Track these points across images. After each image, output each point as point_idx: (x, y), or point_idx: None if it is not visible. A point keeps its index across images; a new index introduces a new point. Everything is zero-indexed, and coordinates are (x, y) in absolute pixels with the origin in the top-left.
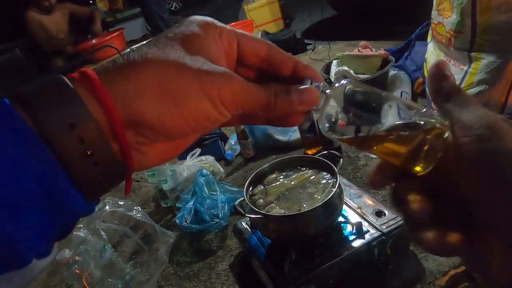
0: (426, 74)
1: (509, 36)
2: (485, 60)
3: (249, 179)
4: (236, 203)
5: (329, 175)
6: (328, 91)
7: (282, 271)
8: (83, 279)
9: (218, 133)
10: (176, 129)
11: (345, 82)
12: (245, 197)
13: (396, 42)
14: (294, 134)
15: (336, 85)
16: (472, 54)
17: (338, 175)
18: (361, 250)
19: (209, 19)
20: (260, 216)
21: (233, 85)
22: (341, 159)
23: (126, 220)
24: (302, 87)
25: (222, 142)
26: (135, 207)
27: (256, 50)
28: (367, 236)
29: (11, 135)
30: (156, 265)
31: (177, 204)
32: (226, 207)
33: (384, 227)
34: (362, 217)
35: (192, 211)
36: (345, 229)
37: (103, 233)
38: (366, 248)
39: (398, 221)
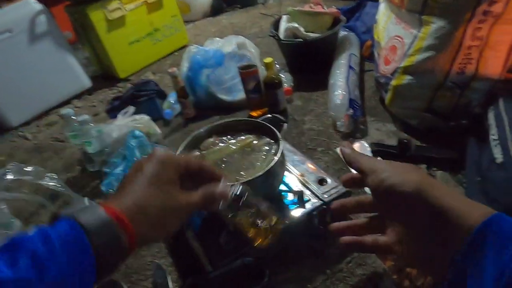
0: (376, 36)
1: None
2: (435, 25)
3: (183, 143)
4: None
5: (272, 141)
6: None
7: (218, 243)
8: None
9: (155, 90)
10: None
11: (241, 189)
12: None
13: (348, 1)
14: (238, 94)
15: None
16: (423, 17)
17: (281, 142)
18: (301, 220)
19: (167, 155)
20: None
21: (192, 209)
22: (285, 124)
23: (44, 189)
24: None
25: (161, 100)
26: (47, 174)
27: (192, 167)
28: (308, 205)
29: (85, 257)
30: None
31: (104, 169)
32: None
33: (325, 196)
34: (304, 185)
35: (121, 177)
36: (286, 197)
37: (3, 206)
38: (306, 218)
39: (339, 190)
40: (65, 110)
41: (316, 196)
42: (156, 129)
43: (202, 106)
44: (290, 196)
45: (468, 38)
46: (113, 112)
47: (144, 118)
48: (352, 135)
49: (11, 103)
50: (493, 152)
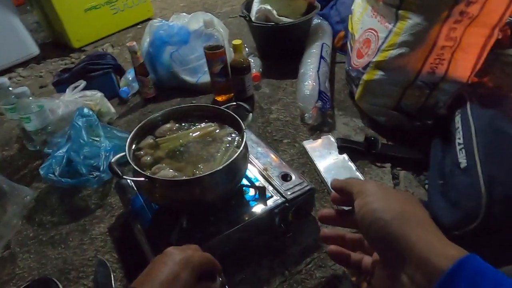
0: (350, 28)
1: None
2: (411, 21)
3: (136, 128)
4: (113, 159)
5: (235, 131)
6: None
7: (168, 241)
8: None
9: (112, 64)
10: None
11: None
12: (126, 151)
13: None
14: (203, 76)
15: None
16: (400, 12)
17: (245, 133)
18: (261, 218)
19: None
20: (143, 179)
21: None
22: (251, 114)
23: None
24: None
25: (117, 76)
26: None
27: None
28: (269, 202)
29: None
30: (5, 228)
31: (45, 150)
32: (111, 157)
33: (288, 193)
34: (267, 179)
35: (64, 161)
36: (247, 193)
37: None
38: (267, 215)
39: (303, 187)
40: (0, 79)
41: (279, 192)
42: (110, 107)
43: (163, 86)
44: (252, 192)
45: (442, 37)
46: (61, 85)
47: (97, 94)
48: (319, 128)
49: None
50: (457, 157)
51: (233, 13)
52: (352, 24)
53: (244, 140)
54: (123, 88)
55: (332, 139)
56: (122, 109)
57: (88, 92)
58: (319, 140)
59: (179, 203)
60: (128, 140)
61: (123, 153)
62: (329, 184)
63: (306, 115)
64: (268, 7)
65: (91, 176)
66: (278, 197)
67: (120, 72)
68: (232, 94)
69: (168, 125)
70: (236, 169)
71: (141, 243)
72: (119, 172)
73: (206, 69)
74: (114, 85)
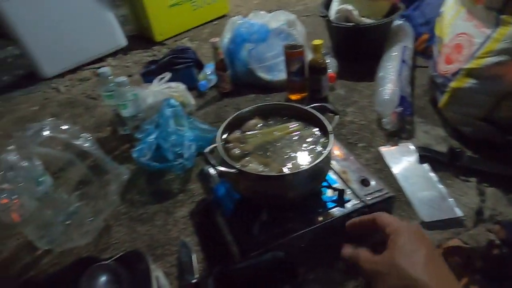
0: (437, 31)
1: None
2: None
3: (225, 122)
4: (207, 150)
5: (320, 132)
6: None
7: (250, 232)
8: (12, 210)
9: (194, 58)
10: None
11: None
12: (218, 144)
13: None
14: (279, 74)
15: None
16: (503, 16)
17: (331, 135)
18: (339, 220)
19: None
20: (234, 171)
21: None
22: (337, 116)
23: (74, 147)
24: None
25: (196, 70)
26: (82, 134)
27: None
28: (348, 206)
29: None
30: (105, 203)
31: (136, 134)
32: (193, 146)
33: (368, 198)
34: (345, 183)
35: (154, 146)
36: (325, 193)
37: (37, 162)
38: (344, 219)
39: (383, 194)
40: (103, 69)
41: (358, 197)
42: (191, 99)
43: (239, 82)
44: (329, 193)
45: None
46: (148, 76)
47: (181, 86)
48: (397, 134)
49: (47, 54)
50: None
51: (306, 11)
52: (441, 27)
53: (331, 142)
54: (202, 82)
55: (412, 147)
56: (199, 101)
57: (172, 84)
58: (397, 147)
59: (262, 196)
60: (219, 133)
61: (215, 145)
62: (407, 193)
63: (384, 120)
64: (350, 7)
65: (176, 162)
66: (357, 201)
67: (200, 66)
68: (306, 93)
69: (254, 121)
70: (320, 170)
71: (223, 231)
72: (212, 162)
73: (282, 67)
74: (194, 78)
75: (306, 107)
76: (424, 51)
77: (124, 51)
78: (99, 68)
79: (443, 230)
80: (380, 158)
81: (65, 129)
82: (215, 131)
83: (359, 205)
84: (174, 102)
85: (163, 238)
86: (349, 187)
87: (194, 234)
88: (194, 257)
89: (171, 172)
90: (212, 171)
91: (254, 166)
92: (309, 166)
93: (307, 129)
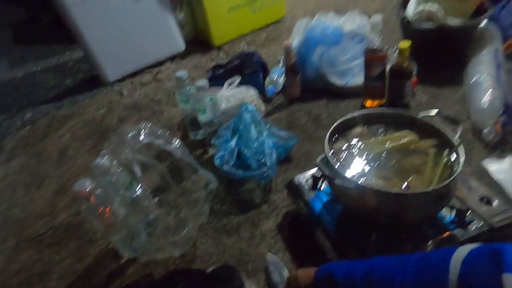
0: None
1: None
2: None
3: (332, 128)
4: (318, 160)
5: (438, 143)
6: None
7: (361, 252)
8: (105, 217)
9: (260, 63)
10: None
11: None
12: (326, 154)
13: None
14: (353, 79)
15: None
16: None
17: (461, 148)
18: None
19: None
20: (353, 186)
21: None
22: (461, 126)
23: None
24: None
25: (263, 74)
26: (174, 139)
27: None
28: (471, 228)
29: None
30: (190, 212)
31: (213, 141)
32: (274, 154)
33: (494, 220)
34: (461, 200)
35: (235, 153)
36: (440, 213)
37: (137, 167)
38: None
39: (511, 214)
40: (180, 72)
41: (482, 218)
42: (262, 105)
43: (309, 87)
44: (445, 213)
45: None
46: (215, 80)
47: (251, 91)
48: (500, 146)
49: (110, 58)
50: None
51: (366, 14)
52: None
53: (462, 156)
54: (269, 87)
55: None
56: (267, 107)
57: (243, 89)
58: (507, 160)
59: (375, 214)
60: (326, 141)
61: (324, 155)
62: None
63: (485, 130)
64: (434, 7)
65: (260, 171)
66: (481, 223)
67: (266, 70)
68: (384, 100)
69: (358, 129)
70: (449, 190)
71: (324, 247)
72: (330, 174)
73: (356, 72)
74: (260, 83)
75: (419, 116)
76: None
77: (181, 55)
78: (158, 73)
79: None
80: (483, 173)
81: (160, 134)
82: (293, 139)
83: (485, 228)
84: (251, 107)
85: (252, 252)
86: (469, 206)
87: (285, 250)
88: (285, 277)
89: (253, 181)
90: (304, 182)
91: (373, 180)
92: (440, 186)
93: (423, 140)
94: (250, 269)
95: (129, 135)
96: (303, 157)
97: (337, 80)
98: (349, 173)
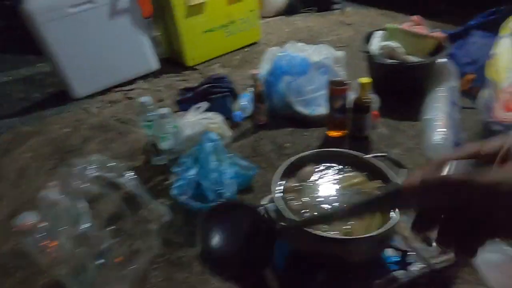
0: (489, 75)
1: None
2: None
3: (281, 169)
4: (265, 201)
5: (383, 185)
6: None
7: None
8: (48, 250)
9: (230, 88)
10: None
11: None
12: (276, 195)
13: (450, 26)
14: (317, 108)
15: None
16: None
17: None
18: (403, 286)
19: None
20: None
21: None
22: (406, 170)
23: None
24: None
25: (232, 99)
26: (127, 174)
27: None
28: (412, 269)
29: None
30: (143, 244)
31: (173, 169)
32: (234, 184)
33: (435, 262)
34: (405, 240)
35: (193, 184)
36: (385, 252)
37: (82, 201)
38: (410, 285)
39: (452, 256)
40: (144, 98)
41: (423, 259)
42: (228, 131)
43: (275, 114)
44: (389, 252)
45: None
46: (184, 103)
47: (218, 118)
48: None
49: (79, 74)
50: None
51: (339, 42)
52: (494, 70)
53: None
54: (237, 112)
55: None
56: (234, 132)
57: (210, 114)
58: None
59: (322, 257)
60: (275, 181)
61: (272, 195)
62: None
63: None
64: (395, 44)
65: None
66: (423, 265)
67: (235, 95)
68: (346, 131)
69: (309, 168)
70: (390, 233)
71: (271, 286)
72: (275, 219)
73: (321, 101)
74: (229, 108)
75: (368, 157)
76: (469, 91)
77: (154, 74)
78: (129, 90)
79: None
80: None
81: (111, 167)
82: (254, 169)
83: (426, 270)
84: (214, 136)
85: None
86: (411, 247)
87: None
88: None
89: None
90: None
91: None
92: (381, 230)
93: (370, 182)
94: None
95: (77, 168)
96: (264, 187)
97: (302, 109)
98: (293, 215)
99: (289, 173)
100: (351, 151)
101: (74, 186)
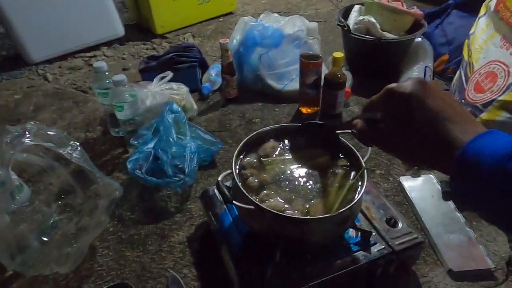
0: (465, 54)
1: None
2: None
3: (241, 144)
4: (220, 178)
5: (348, 163)
6: None
7: (261, 275)
8: None
9: (199, 58)
10: None
11: None
12: (233, 171)
13: (428, 5)
14: (290, 83)
15: None
16: None
17: (365, 172)
18: (363, 267)
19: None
20: (253, 208)
21: None
22: (370, 148)
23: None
24: None
25: (200, 70)
26: (71, 142)
27: None
28: (374, 251)
29: None
30: (91, 221)
31: (131, 141)
32: (195, 160)
33: (396, 243)
34: (369, 221)
35: (151, 157)
36: (348, 232)
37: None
38: (370, 266)
39: (413, 238)
40: (99, 63)
41: (385, 240)
42: (194, 104)
43: (246, 88)
44: (352, 233)
45: None
46: (147, 72)
47: (183, 88)
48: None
49: (35, 36)
50: None
51: (317, 17)
52: (470, 51)
53: (365, 181)
54: (205, 84)
55: (435, 180)
56: (201, 105)
57: (174, 85)
58: (419, 179)
59: (279, 237)
60: (234, 157)
61: (229, 171)
62: (432, 234)
63: None
64: (372, 19)
65: (176, 178)
66: (384, 246)
67: (204, 66)
68: (318, 108)
69: (271, 143)
70: (351, 214)
71: (228, 268)
72: (229, 196)
73: (294, 76)
74: (197, 80)
75: (334, 133)
76: (442, 72)
77: (120, 41)
78: (92, 57)
79: (473, 282)
80: (401, 190)
81: (51, 136)
82: (219, 143)
83: (386, 251)
84: (176, 107)
85: (155, 268)
86: (374, 227)
87: (192, 266)
88: None
89: (168, 188)
90: (217, 193)
91: (276, 203)
92: (341, 211)
93: (334, 160)
94: (148, 287)
95: (10, 137)
96: (227, 163)
97: (274, 84)
98: (251, 193)
99: (251, 149)
100: (317, 127)
101: (8, 156)
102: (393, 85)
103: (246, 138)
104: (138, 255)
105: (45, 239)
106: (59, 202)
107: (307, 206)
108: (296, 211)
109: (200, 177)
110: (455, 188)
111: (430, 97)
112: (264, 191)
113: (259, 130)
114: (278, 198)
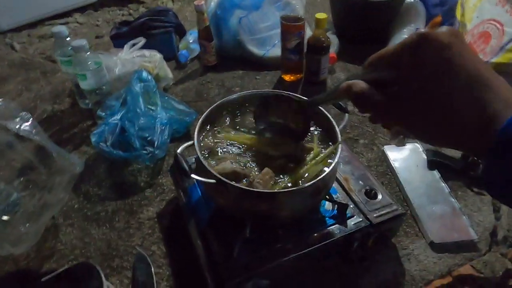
0: (458, 14)
1: None
2: None
3: (205, 114)
4: (180, 150)
5: (324, 133)
6: None
7: (229, 253)
8: None
9: (174, 23)
10: None
11: None
12: (195, 142)
13: None
14: (272, 49)
15: None
16: None
17: (340, 143)
18: (339, 241)
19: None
20: (214, 182)
21: None
22: (347, 115)
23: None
24: None
25: (177, 37)
26: (21, 114)
27: None
28: (350, 224)
29: None
30: (52, 198)
31: (98, 112)
32: (167, 131)
33: (374, 216)
34: (346, 192)
35: (118, 129)
36: (323, 205)
37: None
38: (345, 239)
39: (393, 210)
40: (58, 27)
41: (362, 213)
42: (169, 72)
43: (226, 54)
44: (328, 205)
45: None
46: (118, 39)
47: (156, 56)
48: (404, 132)
49: (2, 2)
50: None
51: None
52: (463, 10)
53: (339, 151)
54: (182, 51)
55: (421, 148)
56: (179, 74)
57: (146, 52)
58: (405, 148)
59: (248, 212)
60: (197, 127)
61: (191, 142)
62: (414, 205)
63: None
64: None
65: (144, 151)
66: (361, 219)
67: (181, 32)
68: (301, 75)
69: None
70: (324, 186)
71: (195, 245)
72: (188, 170)
73: (276, 41)
74: (173, 47)
75: (306, 100)
76: None
77: (94, 6)
78: (63, 24)
79: (455, 254)
80: (384, 159)
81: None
82: (193, 114)
83: (363, 224)
84: (145, 75)
85: (122, 245)
86: (352, 199)
87: (161, 242)
88: (153, 275)
89: (138, 162)
90: (187, 167)
91: (228, 165)
92: (311, 183)
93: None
94: (115, 266)
95: None
96: None
97: (255, 49)
98: (214, 166)
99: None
100: (286, 93)
101: None
102: (425, 30)
103: (210, 108)
104: (104, 233)
105: (5, 217)
106: (21, 179)
107: (277, 179)
108: (263, 186)
109: (173, 150)
110: (489, 171)
111: (471, 54)
112: (228, 166)
113: (223, 100)
114: (243, 170)
